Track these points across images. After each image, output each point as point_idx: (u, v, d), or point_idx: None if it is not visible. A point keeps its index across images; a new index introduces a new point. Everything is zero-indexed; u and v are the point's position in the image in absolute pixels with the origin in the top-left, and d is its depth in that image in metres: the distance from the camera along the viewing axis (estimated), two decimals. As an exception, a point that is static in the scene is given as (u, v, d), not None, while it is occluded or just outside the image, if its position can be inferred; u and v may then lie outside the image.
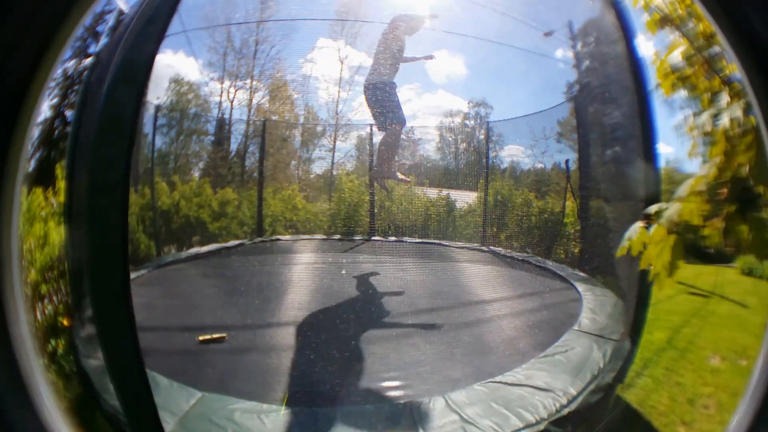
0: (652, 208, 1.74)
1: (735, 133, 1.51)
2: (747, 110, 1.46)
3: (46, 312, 2.43)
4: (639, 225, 1.78)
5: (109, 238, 1.59)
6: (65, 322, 2.48)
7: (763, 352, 1.21)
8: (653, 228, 1.72)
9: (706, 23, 1.60)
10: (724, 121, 1.56)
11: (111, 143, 1.63)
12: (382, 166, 4.80)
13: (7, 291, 1.12)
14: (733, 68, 1.37)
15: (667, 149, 3.06)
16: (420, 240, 6.07)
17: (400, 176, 5.03)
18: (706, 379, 2.70)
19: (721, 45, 1.20)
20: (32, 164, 2.40)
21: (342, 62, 6.69)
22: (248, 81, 6.48)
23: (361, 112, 6.87)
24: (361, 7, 6.45)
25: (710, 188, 1.61)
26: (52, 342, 2.34)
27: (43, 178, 2.55)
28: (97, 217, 1.61)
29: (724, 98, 1.61)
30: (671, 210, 1.68)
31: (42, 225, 2.56)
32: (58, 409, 1.13)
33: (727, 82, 1.62)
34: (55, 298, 2.49)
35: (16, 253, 1.18)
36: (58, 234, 2.58)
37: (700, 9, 1.24)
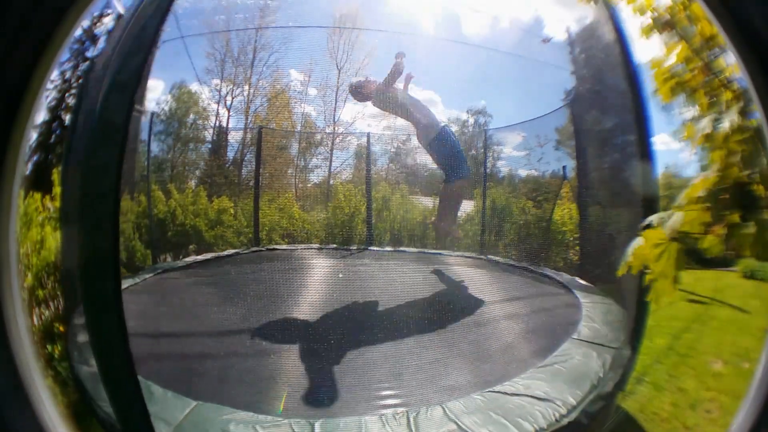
0: (654, 221, 1.71)
1: (736, 137, 1.51)
2: (748, 113, 1.46)
3: (43, 317, 2.41)
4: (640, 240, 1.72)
5: (100, 244, 1.58)
6: (61, 328, 2.45)
7: (765, 354, 1.20)
8: (653, 231, 1.68)
9: (706, 25, 1.61)
10: (725, 124, 1.56)
11: (104, 150, 1.62)
12: (442, 221, 4.94)
13: (6, 294, 1.11)
14: (734, 70, 1.37)
15: (665, 155, 3.08)
16: (418, 249, 6.05)
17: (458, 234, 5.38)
18: (708, 384, 2.69)
19: (723, 46, 1.20)
20: (29, 168, 2.39)
21: (339, 70, 6.71)
22: (246, 88, 6.50)
23: (358, 121, 6.90)
24: (359, 14, 6.51)
25: (711, 193, 1.60)
26: (49, 347, 2.32)
27: (40, 181, 2.54)
28: (90, 223, 1.60)
29: (725, 101, 1.61)
30: (673, 219, 1.65)
31: (39, 229, 2.53)
32: (57, 413, 1.11)
33: (728, 84, 1.62)
34: (51, 303, 2.46)
35: (14, 257, 1.16)
36: (54, 239, 2.56)
37: (702, 9, 1.24)
